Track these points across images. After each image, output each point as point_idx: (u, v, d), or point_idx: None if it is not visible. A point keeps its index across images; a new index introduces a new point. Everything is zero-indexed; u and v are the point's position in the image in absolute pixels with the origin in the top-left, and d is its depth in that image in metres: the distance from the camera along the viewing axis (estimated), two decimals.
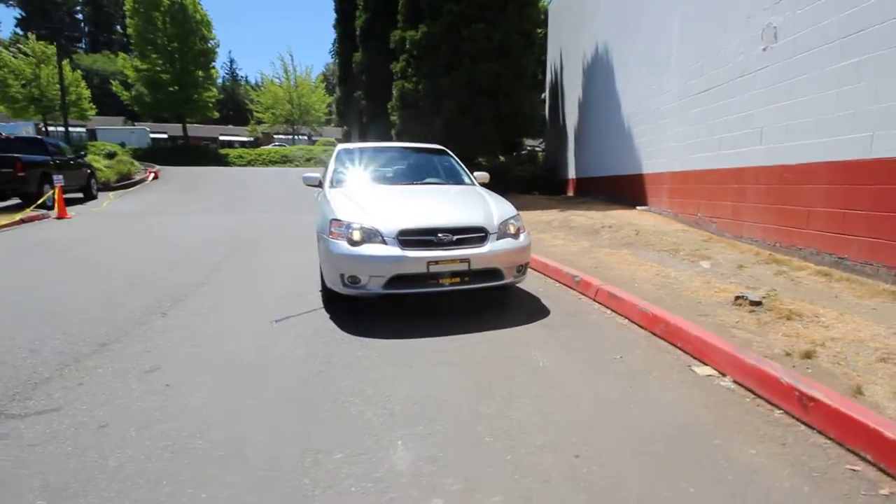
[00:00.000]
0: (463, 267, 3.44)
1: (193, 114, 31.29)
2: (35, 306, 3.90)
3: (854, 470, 1.76)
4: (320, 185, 4.72)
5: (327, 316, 3.68)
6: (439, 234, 3.48)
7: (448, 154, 5.49)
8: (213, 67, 30.69)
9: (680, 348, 2.89)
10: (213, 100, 31.67)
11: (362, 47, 16.25)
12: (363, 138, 17.93)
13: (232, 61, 74.27)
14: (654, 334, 3.15)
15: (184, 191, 15.77)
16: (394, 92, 13.16)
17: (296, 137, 44.18)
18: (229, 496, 1.67)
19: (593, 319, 3.57)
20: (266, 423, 2.15)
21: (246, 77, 71.16)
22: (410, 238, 3.44)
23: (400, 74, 13.06)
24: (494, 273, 3.60)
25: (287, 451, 1.92)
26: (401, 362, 2.81)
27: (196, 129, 45.85)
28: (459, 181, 4.95)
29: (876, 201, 3.78)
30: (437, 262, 3.39)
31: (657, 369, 2.66)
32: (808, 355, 2.63)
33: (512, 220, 3.80)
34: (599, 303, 3.90)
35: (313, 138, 44.07)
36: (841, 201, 4.12)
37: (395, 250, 3.39)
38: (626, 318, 3.50)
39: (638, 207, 8.28)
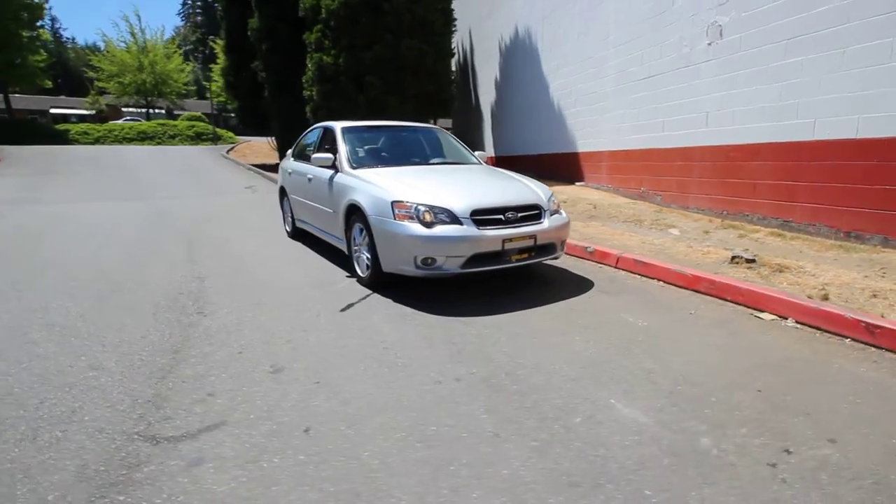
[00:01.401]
0: (530, 243, 3.64)
1: (18, 81, 26.01)
2: (52, 321, 3.24)
3: None
4: (333, 166, 4.50)
5: (390, 300, 3.62)
6: (508, 213, 3.62)
7: (444, 132, 5.56)
8: (42, 27, 25.69)
9: (730, 301, 3.46)
10: (43, 64, 26.59)
11: (259, 12, 14.87)
12: (263, 114, 16.61)
13: (53, 20, 61.94)
14: (699, 291, 3.69)
15: (44, 174, 13.30)
16: (309, 65, 12.40)
17: (151, 111, 38.92)
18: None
19: (634, 284, 4.02)
20: (455, 404, 2.19)
21: (73, 38, 60.15)
22: (483, 217, 3.53)
23: (315, 46, 12.32)
24: (551, 248, 3.86)
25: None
26: (534, 334, 2.95)
27: (20, 101, 38.17)
28: (467, 160, 5.06)
29: (818, 174, 4.75)
30: (510, 240, 3.54)
31: (731, 319, 3.18)
32: (825, 297, 3.34)
33: (553, 198, 4.07)
34: (624, 270, 4.37)
35: (175, 113, 39.28)
36: (786, 175, 5.08)
37: (472, 230, 3.46)
38: (661, 280, 4.01)
39: (576, 183, 9.07)
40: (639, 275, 4.21)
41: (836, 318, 2.86)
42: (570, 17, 9.22)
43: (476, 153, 5.27)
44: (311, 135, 5.81)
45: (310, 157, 5.41)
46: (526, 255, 3.68)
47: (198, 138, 29.45)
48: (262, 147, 23.45)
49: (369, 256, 3.88)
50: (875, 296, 3.34)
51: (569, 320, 3.18)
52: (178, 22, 75.31)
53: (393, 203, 3.57)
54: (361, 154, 4.63)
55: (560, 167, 9.61)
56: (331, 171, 4.57)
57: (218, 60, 37.89)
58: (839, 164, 4.53)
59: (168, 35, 42.28)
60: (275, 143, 19.26)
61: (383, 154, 4.82)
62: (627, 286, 3.96)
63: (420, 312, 3.36)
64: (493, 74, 13.42)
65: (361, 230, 3.97)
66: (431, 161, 4.94)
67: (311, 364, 2.59)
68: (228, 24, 17.38)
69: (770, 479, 1.67)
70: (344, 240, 4.38)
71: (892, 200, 4.13)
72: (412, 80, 12.25)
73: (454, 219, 3.48)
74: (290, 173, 5.89)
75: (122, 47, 34.19)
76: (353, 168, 4.37)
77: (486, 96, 14.12)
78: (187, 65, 43.82)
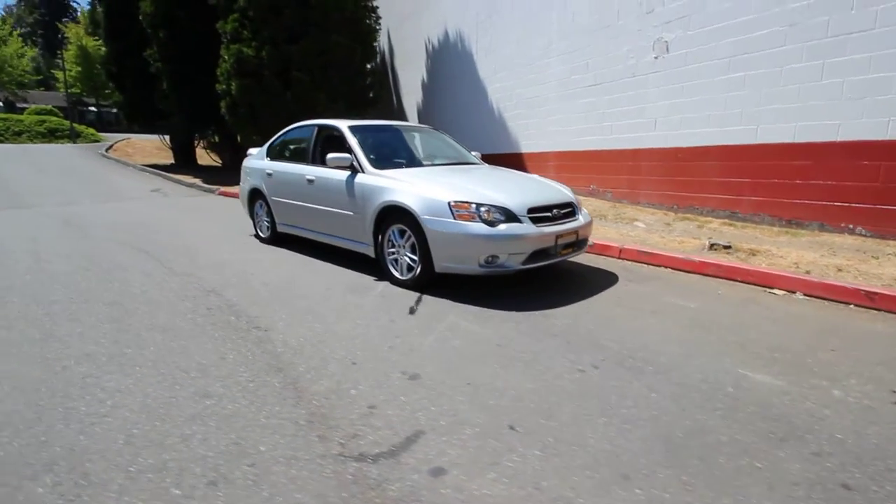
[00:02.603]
0: (573, 238, 3.90)
1: None
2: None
3: None
4: (352, 167, 4.35)
5: (446, 300, 3.64)
6: (554, 210, 3.84)
7: (440, 133, 5.61)
8: None
9: (740, 281, 4.04)
10: None
11: None
12: (159, 109, 14.89)
13: None
14: (708, 275, 4.24)
15: None
16: (225, 57, 11.43)
17: None
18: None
19: (649, 273, 4.46)
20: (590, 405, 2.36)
21: None
22: (537, 215, 3.70)
23: (231, 37, 11.39)
24: (584, 242, 4.15)
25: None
26: (612, 320, 3.17)
27: None
28: (471, 159, 5.18)
29: (760, 172, 5.66)
30: (561, 236, 3.76)
31: (754, 296, 3.72)
32: (807, 272, 4.05)
33: (576, 196, 4.38)
34: (629, 260, 4.83)
35: (18, 106, 33.26)
36: (732, 173, 5.96)
37: (531, 227, 3.61)
38: (669, 267, 4.52)
39: None
40: (646, 264, 4.69)
41: (838, 289, 3.52)
42: (508, 24, 9.69)
43: (473, 152, 5.42)
44: (297, 134, 5.51)
45: (302, 156, 5.15)
46: (570, 250, 3.94)
47: (51, 135, 25.43)
48: (145, 146, 20.99)
49: (414, 258, 3.84)
50: (840, 270, 4.12)
51: (631, 306, 3.49)
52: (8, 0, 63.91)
53: (450, 204, 3.59)
54: (378, 155, 4.52)
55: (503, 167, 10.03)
56: (346, 173, 4.40)
57: (69, 47, 32.94)
58: (779, 164, 5.45)
59: None
60: (168, 141, 17.36)
61: (399, 154, 4.75)
62: (645, 275, 4.39)
63: (489, 309, 3.43)
64: (419, 76, 13.53)
65: (403, 232, 3.91)
66: (445, 161, 4.96)
67: (440, 367, 2.56)
68: (108, 7, 15.22)
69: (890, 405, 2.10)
70: (368, 243, 4.26)
71: (825, 193, 5.10)
72: (342, 77, 11.91)
73: (511, 217, 3.60)
74: (268, 174, 5.50)
75: None
76: (379, 169, 4.27)
77: (411, 97, 14.19)
78: (28, 49, 37.39)
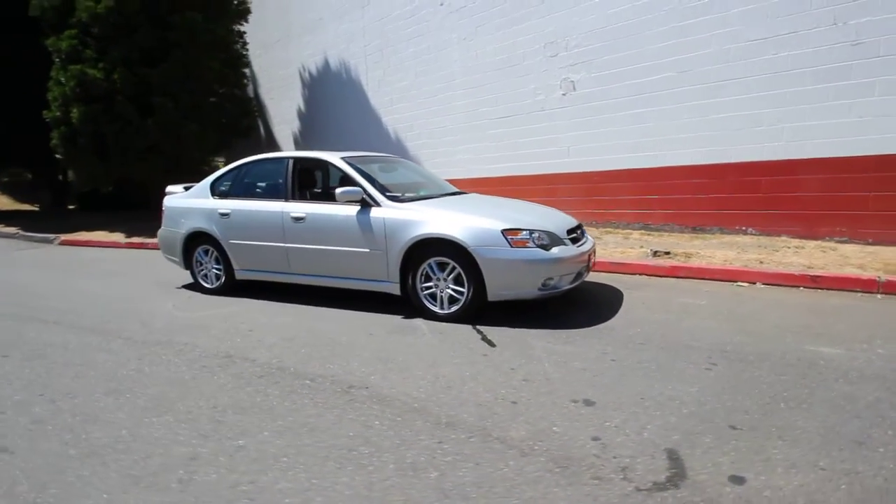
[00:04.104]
0: (593, 258, 4.24)
1: None
2: None
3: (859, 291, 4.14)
4: (363, 202, 4.09)
5: (503, 327, 3.65)
6: (578, 231, 4.14)
7: (410, 162, 5.54)
8: None
9: (707, 279, 4.84)
10: None
11: None
12: None
13: None
14: (679, 276, 4.98)
15: None
16: (62, 79, 9.46)
17: None
18: None
19: (635, 281, 5.02)
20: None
21: None
22: (572, 237, 3.96)
23: (69, 57, 9.47)
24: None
25: None
26: (663, 324, 3.55)
27: None
28: (452, 188, 5.24)
29: (666, 190, 6.83)
30: (590, 255, 4.08)
31: (731, 291, 4.50)
32: (761, 263, 5.06)
33: None
34: (601, 271, 5.37)
35: None
36: (642, 192, 7.06)
37: (575, 248, 3.86)
38: (640, 274, 5.17)
39: None
40: (618, 273, 5.28)
41: (788, 276, 4.50)
42: (404, 58, 9.94)
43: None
44: (261, 168, 4.96)
45: (274, 192, 4.66)
46: (591, 268, 4.27)
47: None
48: None
49: (459, 290, 3.77)
50: (761, 262, 5.23)
51: (663, 311, 3.95)
52: None
53: (504, 231, 3.64)
54: (388, 187, 4.31)
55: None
56: (353, 208, 4.12)
57: None
58: (682, 182, 6.66)
59: None
60: None
61: (397, 186, 4.56)
62: (634, 283, 4.94)
63: (547, 330, 3.54)
64: (294, 104, 12.93)
65: (443, 265, 3.80)
66: (436, 192, 4.86)
67: (597, 389, 2.62)
68: None
69: None
70: (392, 280, 4.04)
71: (721, 204, 6.40)
72: (213, 105, 10.77)
73: (556, 240, 3.80)
74: (222, 215, 4.80)
75: None
76: (398, 202, 4.09)
77: (285, 126, 13.44)
78: None
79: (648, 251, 5.83)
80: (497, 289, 3.67)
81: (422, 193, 4.77)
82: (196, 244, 5.05)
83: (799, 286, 4.45)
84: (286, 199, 4.54)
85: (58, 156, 10.91)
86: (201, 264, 5.08)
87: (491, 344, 3.35)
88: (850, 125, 5.35)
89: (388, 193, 4.17)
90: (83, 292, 5.49)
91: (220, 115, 10.91)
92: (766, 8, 5.74)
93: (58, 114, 9.59)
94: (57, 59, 9.55)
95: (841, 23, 5.28)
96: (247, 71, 12.15)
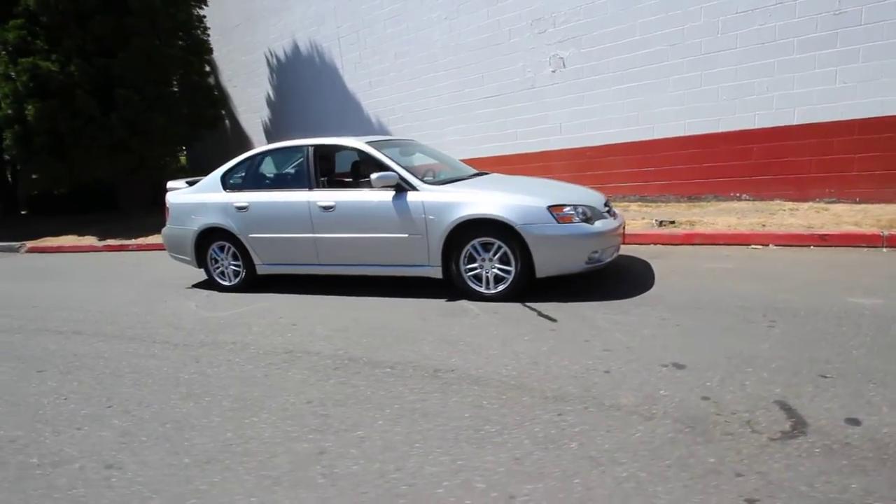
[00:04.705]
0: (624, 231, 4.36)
1: None
2: None
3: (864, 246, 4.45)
4: (398, 186, 4.03)
5: (556, 303, 3.71)
6: (609, 206, 4.24)
7: (425, 145, 5.47)
8: None
9: (722, 244, 5.07)
10: None
11: None
12: None
13: None
14: (694, 244, 5.19)
15: None
16: (11, 74, 8.70)
17: None
18: None
19: (654, 251, 5.19)
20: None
21: None
22: (607, 210, 4.05)
23: (17, 49, 8.69)
24: None
25: None
26: (709, 288, 3.71)
27: None
28: (472, 170, 5.21)
29: (660, 161, 7.05)
30: (623, 228, 4.19)
31: (748, 253, 4.74)
32: (754, 229, 5.33)
33: None
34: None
35: None
36: (637, 164, 7.26)
37: (613, 221, 3.95)
38: (655, 244, 5.36)
39: None
40: (637, 244, 5.45)
41: (798, 236, 4.78)
42: (382, 39, 9.70)
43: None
44: (276, 157, 4.80)
45: (296, 182, 4.52)
46: None
47: None
48: None
49: (505, 268, 3.80)
50: (764, 226, 5.52)
51: (695, 276, 4.13)
52: None
53: (549, 208, 3.69)
54: (418, 171, 4.26)
55: None
56: (388, 194, 4.05)
57: None
58: (675, 153, 6.90)
59: None
60: None
61: (418, 169, 4.48)
62: (652, 253, 5.10)
63: (599, 302, 3.64)
64: (263, 91, 12.40)
65: (487, 245, 3.81)
66: (462, 174, 4.79)
67: (684, 353, 2.72)
68: None
69: None
70: (433, 265, 4.02)
71: (714, 172, 6.68)
72: (179, 96, 10.21)
73: (597, 214, 3.88)
74: (239, 208, 4.62)
75: None
76: (434, 185, 4.05)
77: (253, 115, 12.89)
78: None
79: (653, 221, 6.03)
80: (545, 265, 3.72)
81: (448, 176, 4.71)
82: (210, 241, 4.83)
83: (809, 245, 4.74)
84: (310, 187, 4.40)
85: (7, 157, 10.08)
86: (217, 261, 4.87)
87: (551, 319, 3.41)
88: (835, 91, 5.68)
89: (421, 177, 4.12)
90: (84, 299, 5.16)
91: (186, 106, 10.35)
92: None
93: (9, 111, 8.80)
94: (4, 52, 8.74)
95: None
96: (210, 58, 11.50)
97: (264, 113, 12.64)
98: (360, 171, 4.92)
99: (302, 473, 1.91)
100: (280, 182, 4.66)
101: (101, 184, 10.43)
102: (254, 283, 4.78)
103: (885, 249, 4.42)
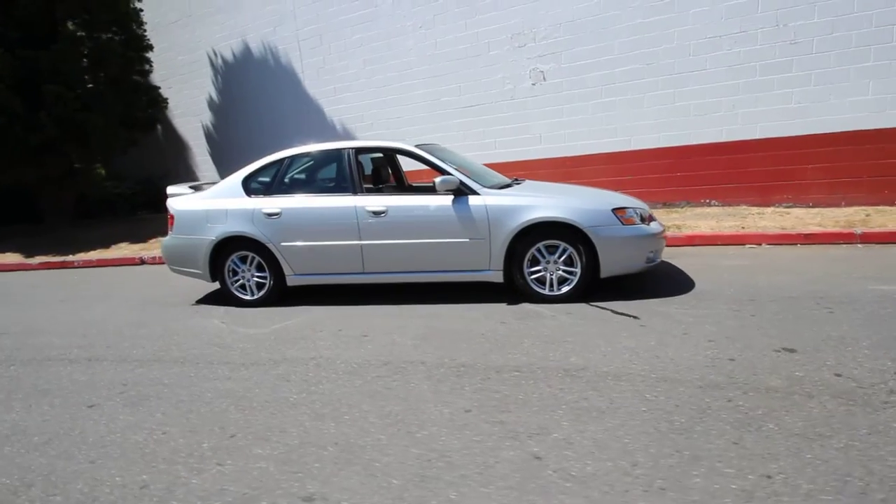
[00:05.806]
0: None
1: None
2: None
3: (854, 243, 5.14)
4: (458, 190, 3.99)
5: (619, 301, 3.87)
6: None
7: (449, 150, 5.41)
8: None
9: (721, 244, 5.58)
10: None
11: None
12: None
13: None
14: (696, 245, 5.65)
15: None
16: None
17: None
18: None
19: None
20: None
21: None
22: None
23: None
24: None
25: None
26: (744, 287, 4.06)
27: None
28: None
29: (636, 171, 7.60)
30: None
31: (745, 252, 5.26)
32: (741, 230, 5.94)
33: None
34: None
35: None
36: (614, 174, 7.74)
37: (661, 224, 4.20)
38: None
39: None
40: None
41: (785, 236, 5.40)
42: (349, 44, 9.46)
43: None
44: (311, 161, 4.54)
45: (336, 187, 4.31)
46: None
47: None
48: None
49: (569, 270, 3.90)
50: (743, 228, 6.16)
51: (720, 273, 4.50)
52: None
53: (614, 210, 3.85)
54: (474, 176, 4.22)
55: None
56: (446, 198, 4.00)
57: None
58: (651, 163, 7.47)
59: None
60: None
61: (471, 173, 4.44)
62: (664, 253, 5.47)
63: (653, 299, 3.87)
64: (205, 93, 11.52)
65: (552, 248, 3.89)
66: (502, 180, 4.80)
67: (790, 339, 2.96)
68: None
69: None
70: (494, 269, 4.02)
71: (686, 181, 7.32)
72: (115, 94, 9.16)
73: (648, 217, 4.12)
74: (268, 215, 4.29)
75: None
76: (493, 189, 4.06)
77: (192, 118, 11.91)
78: None
79: None
80: (610, 265, 3.86)
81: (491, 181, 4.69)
82: (228, 251, 4.40)
83: (796, 244, 5.37)
84: (354, 192, 4.19)
85: None
86: (237, 273, 4.44)
87: (633, 317, 3.54)
88: (791, 110, 6.52)
89: (482, 182, 4.11)
90: (69, 323, 4.44)
91: (126, 106, 9.32)
92: (721, 10, 6.68)
93: None
94: None
95: (782, 24, 6.39)
96: (147, 55, 10.44)
97: (206, 116, 11.72)
98: (382, 175, 4.79)
99: (541, 480, 1.83)
100: (317, 186, 4.37)
101: (18, 192, 8.99)
102: (283, 295, 4.43)
103: (860, 245, 5.14)
